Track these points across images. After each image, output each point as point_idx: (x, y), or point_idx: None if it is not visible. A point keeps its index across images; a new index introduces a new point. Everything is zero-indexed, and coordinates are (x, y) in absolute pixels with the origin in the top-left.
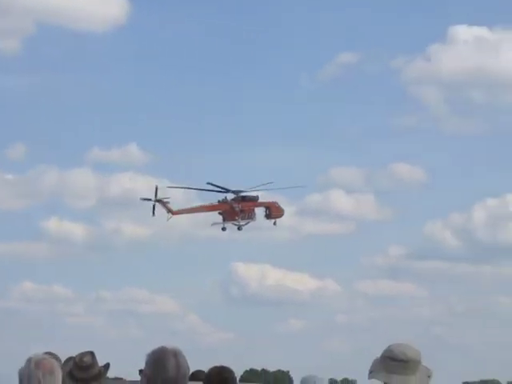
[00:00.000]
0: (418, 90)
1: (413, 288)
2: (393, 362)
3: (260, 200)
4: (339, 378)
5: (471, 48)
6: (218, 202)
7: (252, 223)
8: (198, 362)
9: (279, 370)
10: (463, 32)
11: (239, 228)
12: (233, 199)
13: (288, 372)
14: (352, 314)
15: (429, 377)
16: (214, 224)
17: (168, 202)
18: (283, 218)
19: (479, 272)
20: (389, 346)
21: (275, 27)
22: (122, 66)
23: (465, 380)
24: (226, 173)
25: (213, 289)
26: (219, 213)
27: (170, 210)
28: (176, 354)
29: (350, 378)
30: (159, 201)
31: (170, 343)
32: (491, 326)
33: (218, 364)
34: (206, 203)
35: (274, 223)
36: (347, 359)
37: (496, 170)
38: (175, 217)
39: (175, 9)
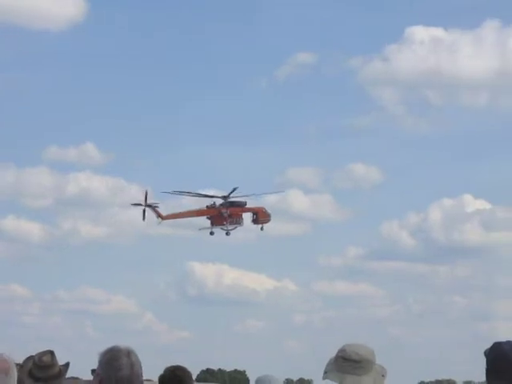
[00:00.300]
0: (375, 90)
1: (370, 288)
2: (345, 362)
3: (248, 205)
4: (295, 378)
5: (427, 49)
6: (207, 207)
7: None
8: (155, 361)
9: (235, 370)
10: (420, 33)
11: (227, 233)
12: (221, 204)
13: (244, 372)
14: (309, 314)
15: (383, 376)
16: (202, 229)
17: (157, 207)
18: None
19: (435, 272)
20: (342, 346)
21: (232, 25)
22: (78, 64)
23: (421, 380)
24: (181, 172)
25: (169, 288)
26: (207, 217)
27: (159, 215)
28: (129, 353)
29: (306, 378)
30: (149, 206)
31: (126, 342)
32: (447, 326)
33: (174, 363)
34: (195, 208)
35: (261, 228)
36: (303, 359)
37: (452, 170)
38: (165, 221)
39: (130, 9)
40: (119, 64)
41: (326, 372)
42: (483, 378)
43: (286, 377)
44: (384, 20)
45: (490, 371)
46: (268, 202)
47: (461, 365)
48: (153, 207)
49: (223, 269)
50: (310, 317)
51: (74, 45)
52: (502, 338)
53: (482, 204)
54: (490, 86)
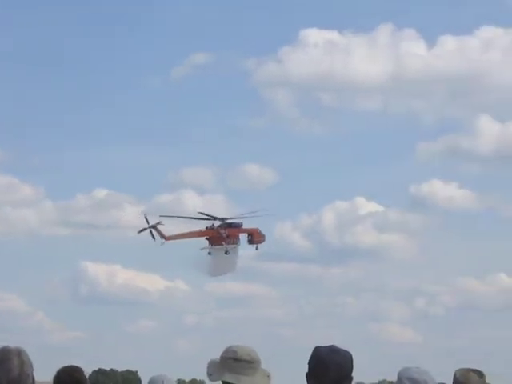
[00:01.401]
0: (269, 92)
1: (262, 289)
2: (237, 362)
3: (244, 227)
4: (187, 379)
5: (321, 51)
6: (206, 228)
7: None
8: (46, 360)
9: (128, 370)
10: (314, 35)
11: (226, 252)
12: (219, 226)
13: (136, 372)
14: (201, 314)
15: (268, 377)
16: (203, 249)
17: (160, 224)
18: (132, 217)
19: (327, 273)
20: (229, 347)
21: (127, 26)
22: None
23: None
24: (82, 171)
25: (61, 287)
26: (206, 238)
27: (162, 236)
28: (19, 353)
29: (199, 378)
30: (153, 227)
31: (16, 342)
32: (339, 327)
33: (66, 363)
34: (196, 229)
35: (256, 248)
36: (196, 360)
37: (345, 172)
38: (168, 242)
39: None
40: (21, 61)
41: (211, 374)
42: (375, 380)
43: (179, 377)
44: (279, 22)
45: (309, 375)
46: (160, 201)
47: (356, 367)
48: (157, 228)
49: (116, 269)
50: (202, 317)
51: None
52: (393, 339)
53: (374, 206)
54: (383, 89)
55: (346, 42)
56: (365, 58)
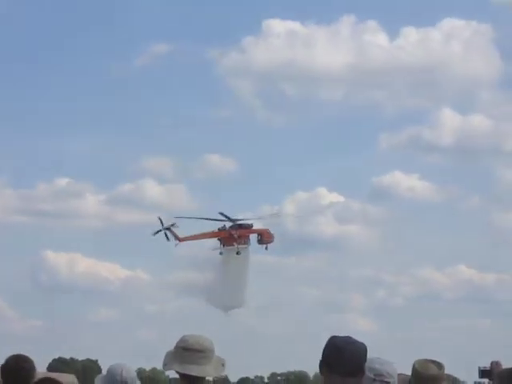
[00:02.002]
0: (232, 81)
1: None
2: (187, 351)
3: (254, 227)
4: (148, 368)
5: (284, 42)
6: (219, 229)
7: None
8: (5, 349)
9: (88, 359)
10: (277, 26)
11: (238, 253)
12: (231, 227)
13: (96, 361)
14: (161, 304)
15: (223, 365)
16: (215, 249)
17: (174, 226)
18: (94, 205)
19: (289, 263)
20: (183, 337)
21: (87, 14)
22: None
23: (273, 370)
24: (35, 161)
25: (22, 276)
26: (218, 239)
27: (177, 237)
28: None
29: (159, 367)
30: (168, 229)
31: None
32: (299, 318)
33: (26, 352)
34: (209, 231)
35: (266, 248)
36: (156, 349)
37: (307, 163)
38: (182, 243)
39: None
40: None
41: (165, 364)
42: None
43: (139, 366)
44: (242, 12)
45: (323, 363)
46: (120, 190)
47: (313, 356)
48: (171, 230)
49: (76, 257)
50: (162, 306)
51: None
52: (354, 329)
53: (335, 197)
54: (345, 80)
55: (308, 33)
56: (327, 49)
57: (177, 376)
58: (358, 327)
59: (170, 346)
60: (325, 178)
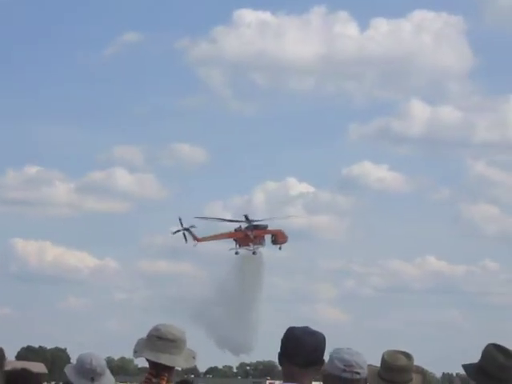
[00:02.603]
0: (202, 71)
1: (191, 268)
2: (160, 340)
3: (268, 228)
4: (117, 357)
5: (255, 32)
6: (235, 230)
7: None
8: None
9: (57, 348)
10: (247, 16)
11: (254, 252)
12: (247, 227)
13: (65, 349)
14: (130, 292)
15: (194, 358)
16: (232, 249)
17: (193, 227)
18: (63, 193)
19: (257, 253)
20: (157, 325)
21: (57, 3)
22: None
23: (242, 361)
24: (4, 149)
25: None
26: (234, 239)
27: (195, 238)
28: None
29: (127, 356)
30: (187, 229)
31: None
32: (269, 308)
33: None
34: (226, 231)
35: (280, 248)
36: (125, 337)
37: (277, 153)
38: (200, 243)
39: None
40: None
41: (136, 351)
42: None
43: (108, 355)
44: (213, 2)
45: (282, 355)
46: (90, 179)
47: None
48: (190, 231)
49: (45, 245)
50: (131, 295)
51: None
52: (323, 319)
53: (305, 187)
54: (315, 70)
55: (278, 23)
56: (298, 40)
57: (145, 365)
58: (327, 317)
59: (139, 335)
60: (295, 168)
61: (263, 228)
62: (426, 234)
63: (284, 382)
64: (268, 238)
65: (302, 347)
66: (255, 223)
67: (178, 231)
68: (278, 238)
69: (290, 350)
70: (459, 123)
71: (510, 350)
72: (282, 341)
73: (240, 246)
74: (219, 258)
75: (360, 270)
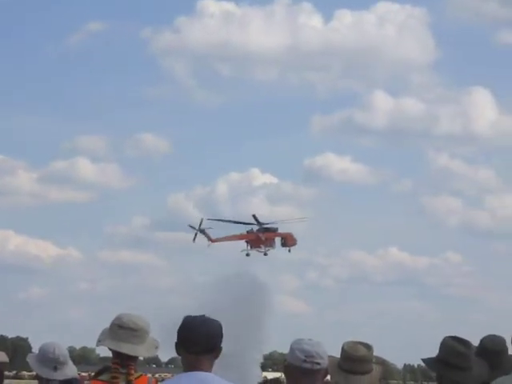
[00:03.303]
0: (166, 61)
1: (154, 258)
2: (121, 329)
3: (279, 231)
4: (78, 346)
5: (218, 22)
6: (247, 232)
7: None
8: None
9: (18, 337)
10: (211, 6)
11: (265, 254)
12: (258, 230)
13: (27, 338)
14: (93, 282)
15: (157, 348)
16: (243, 250)
17: (209, 228)
18: (26, 182)
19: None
20: (119, 314)
21: None
22: None
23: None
24: None
25: None
26: (246, 241)
27: (209, 238)
28: None
29: (89, 346)
30: (202, 231)
31: None
32: None
33: None
34: (238, 233)
35: (289, 250)
36: (87, 327)
37: (241, 144)
38: (213, 244)
39: None
40: None
41: (99, 340)
42: (265, 351)
43: (70, 344)
44: None
45: (179, 344)
46: (53, 168)
47: (245, 338)
48: (205, 232)
49: (8, 234)
50: (93, 285)
51: None
52: (284, 310)
53: (268, 178)
54: (279, 61)
55: (242, 13)
56: (262, 30)
57: (107, 354)
58: (288, 308)
59: (101, 324)
60: (258, 159)
61: (274, 231)
62: (388, 226)
63: (184, 370)
64: (278, 240)
65: (197, 335)
66: (266, 226)
67: (194, 228)
68: (288, 241)
69: (185, 339)
70: (422, 115)
71: (466, 339)
72: (178, 330)
73: (251, 247)
74: (181, 247)
75: (322, 260)
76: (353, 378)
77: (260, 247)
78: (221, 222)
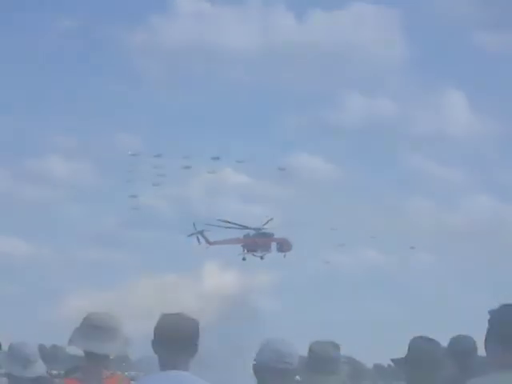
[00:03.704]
0: (139, 60)
1: (126, 257)
2: (91, 328)
3: (275, 236)
4: (48, 345)
5: (192, 21)
6: (244, 236)
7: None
8: None
9: None
10: (184, 4)
11: (262, 258)
12: (254, 235)
13: None
14: (64, 281)
15: (127, 344)
16: (240, 254)
17: (207, 231)
18: None
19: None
20: (89, 313)
21: None
22: None
23: None
24: None
25: None
26: (242, 245)
27: (207, 241)
28: None
29: (59, 344)
30: (200, 232)
31: None
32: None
33: None
34: (235, 237)
35: (284, 256)
36: (58, 326)
37: (213, 143)
38: (211, 246)
39: None
40: None
41: (70, 340)
42: None
43: (40, 342)
44: None
45: (155, 343)
46: (25, 167)
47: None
48: (203, 234)
49: None
50: (65, 284)
51: None
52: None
53: (241, 178)
54: (252, 61)
55: (216, 12)
56: (235, 30)
57: (77, 353)
58: (259, 307)
59: (71, 323)
60: (230, 158)
61: (270, 236)
62: (362, 226)
63: (160, 370)
64: (274, 245)
65: (175, 334)
66: (262, 231)
67: (193, 234)
68: (284, 246)
69: (162, 338)
70: (395, 116)
71: (435, 339)
72: (155, 328)
73: (248, 251)
74: (156, 245)
75: (294, 261)
76: (321, 378)
77: (256, 251)
78: (213, 225)
